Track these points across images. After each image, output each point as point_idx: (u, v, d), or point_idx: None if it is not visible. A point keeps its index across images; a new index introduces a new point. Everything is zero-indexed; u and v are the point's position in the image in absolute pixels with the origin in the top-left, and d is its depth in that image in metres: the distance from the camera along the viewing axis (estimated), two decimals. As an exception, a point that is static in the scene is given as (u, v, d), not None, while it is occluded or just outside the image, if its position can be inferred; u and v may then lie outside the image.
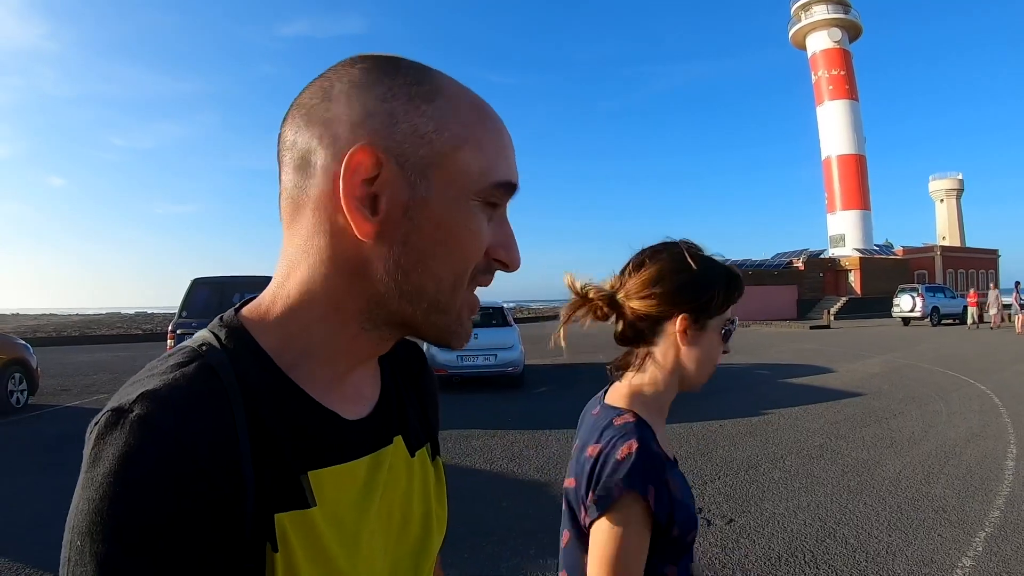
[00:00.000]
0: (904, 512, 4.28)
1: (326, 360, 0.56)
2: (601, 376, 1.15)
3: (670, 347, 1.07)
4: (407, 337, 0.60)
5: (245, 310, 0.57)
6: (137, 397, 0.45)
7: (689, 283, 1.06)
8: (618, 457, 0.96)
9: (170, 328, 8.53)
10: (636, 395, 1.07)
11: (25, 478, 5.27)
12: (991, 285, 26.21)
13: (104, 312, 53.78)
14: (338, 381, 0.57)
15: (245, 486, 0.47)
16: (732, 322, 1.11)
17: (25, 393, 8.69)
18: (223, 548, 0.45)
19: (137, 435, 0.43)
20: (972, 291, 25.46)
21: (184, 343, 0.54)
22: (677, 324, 1.06)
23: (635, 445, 0.96)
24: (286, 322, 0.54)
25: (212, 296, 8.66)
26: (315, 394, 0.54)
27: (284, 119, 0.55)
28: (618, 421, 1.02)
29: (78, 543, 0.42)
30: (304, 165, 0.52)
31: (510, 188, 0.55)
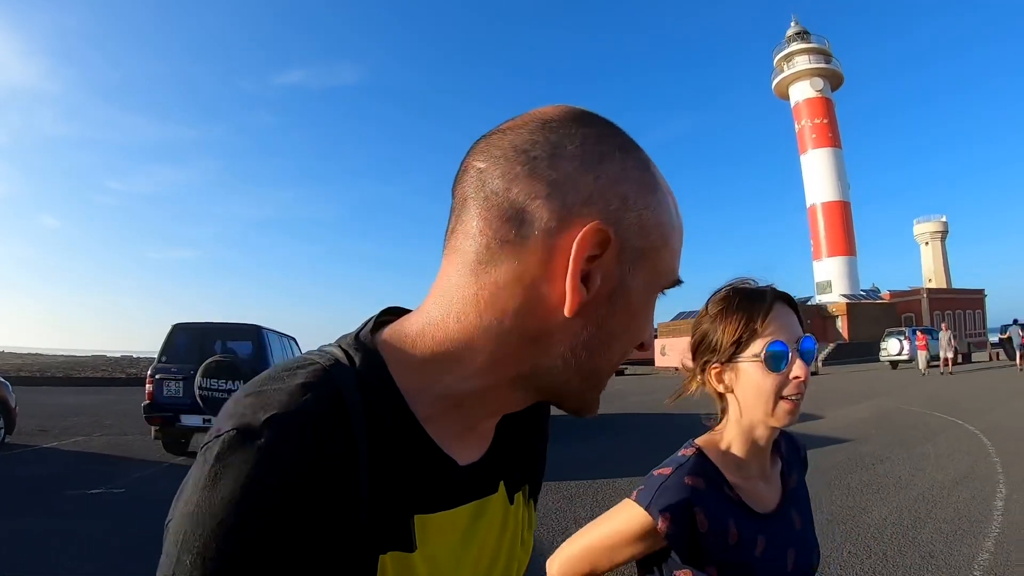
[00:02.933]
0: (890, 559, 4.21)
1: (460, 409, 0.54)
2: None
3: (726, 398, 1.09)
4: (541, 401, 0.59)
5: (386, 334, 0.54)
6: (266, 420, 0.44)
7: (697, 334, 1.09)
8: (654, 472, 1.05)
9: (149, 373, 8.21)
10: (711, 439, 1.10)
11: (-5, 522, 5.13)
12: (943, 326, 25.61)
13: (90, 354, 53.04)
14: (465, 431, 0.56)
15: (360, 528, 0.46)
16: (775, 344, 1.01)
17: (2, 431, 8.53)
18: None
19: (264, 466, 0.43)
20: (919, 333, 23.91)
21: (312, 355, 0.52)
22: (712, 378, 1.08)
23: (669, 471, 1.03)
24: (431, 361, 0.52)
25: (192, 343, 8.36)
26: (438, 438, 0.53)
27: (479, 151, 0.53)
28: (680, 452, 1.08)
29: (187, 562, 0.42)
30: (517, 220, 0.50)
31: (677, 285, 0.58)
